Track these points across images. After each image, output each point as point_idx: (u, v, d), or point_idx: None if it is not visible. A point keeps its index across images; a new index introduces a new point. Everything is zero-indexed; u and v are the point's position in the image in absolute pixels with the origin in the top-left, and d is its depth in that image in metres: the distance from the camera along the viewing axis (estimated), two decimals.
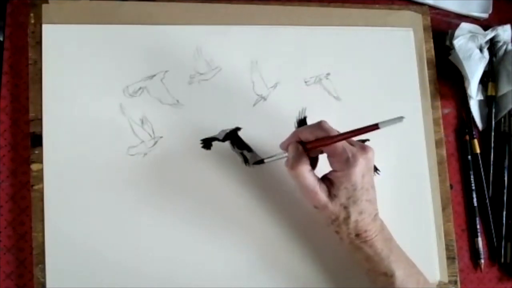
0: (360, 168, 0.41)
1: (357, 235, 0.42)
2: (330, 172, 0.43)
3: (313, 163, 0.44)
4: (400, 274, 0.42)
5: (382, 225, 0.44)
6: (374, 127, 0.39)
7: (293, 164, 0.42)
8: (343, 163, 0.41)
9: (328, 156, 0.42)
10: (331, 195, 0.42)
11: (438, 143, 0.54)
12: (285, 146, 0.44)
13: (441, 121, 0.55)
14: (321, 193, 0.41)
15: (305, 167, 0.41)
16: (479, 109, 0.58)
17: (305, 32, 0.53)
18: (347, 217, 0.42)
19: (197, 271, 0.45)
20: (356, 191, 0.41)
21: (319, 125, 0.42)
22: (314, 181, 0.42)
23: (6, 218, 0.44)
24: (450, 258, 0.52)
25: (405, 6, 0.57)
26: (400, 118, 0.37)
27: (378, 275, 0.43)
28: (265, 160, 0.47)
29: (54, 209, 0.43)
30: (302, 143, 0.43)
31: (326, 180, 0.43)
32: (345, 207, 0.41)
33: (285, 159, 0.44)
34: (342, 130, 0.45)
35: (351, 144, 0.42)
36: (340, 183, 0.41)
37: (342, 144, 0.41)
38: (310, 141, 0.42)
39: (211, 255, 0.46)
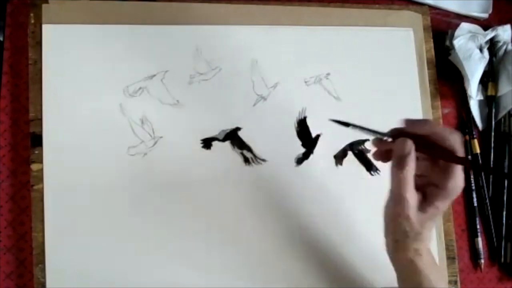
0: (458, 194, 0.39)
1: (416, 249, 0.39)
2: (428, 184, 0.39)
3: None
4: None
5: (429, 248, 0.41)
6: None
7: (400, 164, 0.38)
8: (455, 187, 0.38)
9: (437, 167, 0.39)
10: (420, 206, 0.38)
11: None
12: (396, 132, 0.39)
13: (441, 121, 0.55)
14: (413, 205, 0.38)
15: (411, 173, 0.38)
16: (479, 109, 0.58)
17: (305, 32, 0.53)
18: (419, 232, 0.39)
19: (197, 270, 0.45)
20: (440, 214, 0.39)
21: (451, 132, 0.37)
22: (413, 190, 0.38)
23: (6, 218, 0.44)
24: (450, 258, 0.52)
25: (405, 6, 0.57)
26: None
27: None
28: (351, 125, 0.41)
29: (54, 209, 0.43)
30: (414, 141, 0.38)
31: (418, 190, 0.39)
32: (422, 224, 0.39)
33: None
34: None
35: None
36: (435, 199, 0.38)
37: (460, 166, 0.38)
38: (424, 138, 0.38)
39: (211, 254, 0.46)
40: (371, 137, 0.41)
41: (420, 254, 0.40)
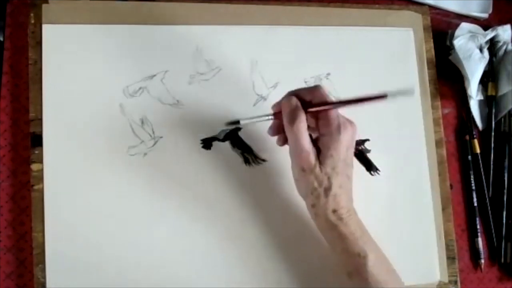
0: (346, 138, 0.41)
1: (334, 210, 0.42)
2: (317, 137, 0.43)
3: None
4: (372, 256, 0.42)
5: (355, 210, 0.44)
6: (382, 97, 0.39)
7: (291, 119, 0.41)
8: (334, 128, 0.41)
9: (319, 119, 0.42)
10: (319, 160, 0.41)
11: (438, 143, 0.54)
12: (277, 107, 0.43)
13: (441, 121, 0.55)
14: (313, 155, 0.41)
15: (303, 124, 0.41)
16: (479, 109, 0.58)
17: (305, 32, 0.53)
18: (328, 187, 0.41)
19: (197, 270, 0.45)
20: (339, 162, 0.41)
21: (318, 88, 0.42)
22: (309, 141, 0.41)
23: (6, 218, 0.44)
24: (450, 258, 0.52)
25: (405, 6, 0.57)
26: (411, 91, 0.36)
27: (352, 255, 0.43)
28: (241, 122, 0.45)
29: (54, 209, 0.43)
30: (299, 100, 0.42)
31: (314, 145, 0.42)
32: (328, 178, 0.41)
33: (265, 122, 0.44)
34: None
35: None
36: (327, 150, 0.41)
37: (336, 110, 0.41)
38: (309, 103, 0.42)
39: (210, 254, 0.46)
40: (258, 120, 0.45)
41: (341, 218, 0.42)
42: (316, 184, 0.42)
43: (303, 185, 0.43)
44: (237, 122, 0.45)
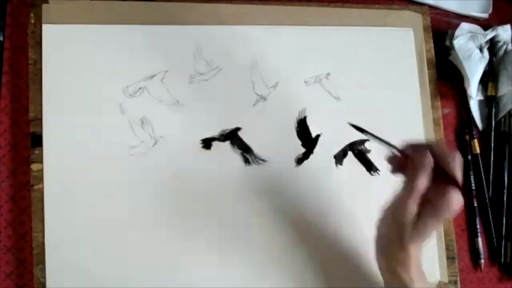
0: (442, 222, 0.40)
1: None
2: (423, 202, 0.39)
3: None
4: None
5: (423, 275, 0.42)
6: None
7: (417, 176, 0.38)
8: (445, 204, 0.38)
9: (434, 184, 0.39)
10: (413, 224, 0.39)
11: None
12: (412, 151, 0.40)
13: (441, 121, 0.55)
14: (411, 214, 0.39)
15: (422, 186, 0.38)
16: (479, 109, 0.58)
17: (305, 32, 0.53)
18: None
19: (197, 269, 0.45)
20: (425, 240, 0.40)
21: (456, 158, 0.38)
22: (416, 205, 0.39)
23: (6, 218, 0.44)
24: (450, 258, 0.52)
25: (405, 6, 0.57)
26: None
27: None
28: (365, 133, 0.43)
29: (54, 209, 0.43)
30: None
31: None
32: (411, 243, 0.40)
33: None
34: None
35: None
36: (427, 217, 0.38)
37: (458, 194, 0.38)
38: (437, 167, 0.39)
39: (210, 254, 0.46)
40: (380, 145, 0.42)
41: (412, 280, 0.40)
42: (396, 238, 0.40)
43: (384, 232, 0.41)
44: (362, 129, 0.43)
